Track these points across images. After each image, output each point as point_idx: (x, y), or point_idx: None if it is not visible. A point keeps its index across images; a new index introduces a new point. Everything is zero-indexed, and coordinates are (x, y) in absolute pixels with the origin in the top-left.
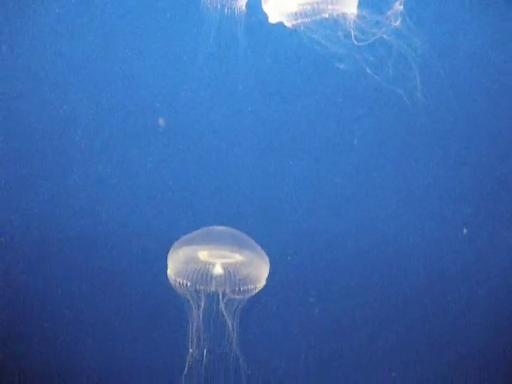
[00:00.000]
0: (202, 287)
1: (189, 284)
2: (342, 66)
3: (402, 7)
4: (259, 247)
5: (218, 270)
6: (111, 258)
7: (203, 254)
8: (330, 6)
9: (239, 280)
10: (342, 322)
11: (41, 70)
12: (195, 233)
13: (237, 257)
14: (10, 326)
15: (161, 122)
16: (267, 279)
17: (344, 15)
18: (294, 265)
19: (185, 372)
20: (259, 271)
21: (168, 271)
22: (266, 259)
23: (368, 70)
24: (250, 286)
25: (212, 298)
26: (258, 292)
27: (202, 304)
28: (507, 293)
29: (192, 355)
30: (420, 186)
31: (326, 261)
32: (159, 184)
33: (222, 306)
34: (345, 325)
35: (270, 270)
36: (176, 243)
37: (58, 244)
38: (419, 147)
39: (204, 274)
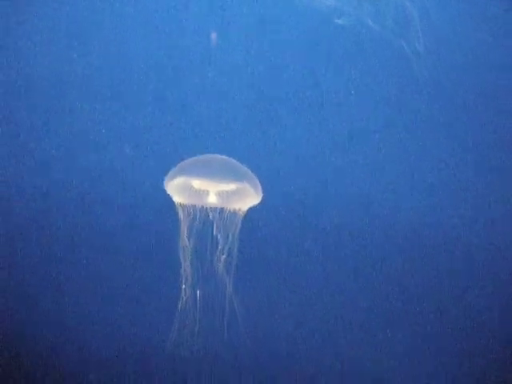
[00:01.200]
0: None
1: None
2: (340, 21)
3: None
4: (253, 175)
5: (212, 198)
6: (105, 189)
7: (197, 183)
8: None
9: (232, 206)
10: (337, 271)
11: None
12: (190, 161)
13: (230, 186)
14: None
15: (213, 37)
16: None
17: None
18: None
19: (178, 310)
20: (252, 198)
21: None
22: (259, 187)
23: (370, 22)
24: (241, 213)
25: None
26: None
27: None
28: None
29: (185, 292)
30: (421, 137)
31: (325, 199)
32: (158, 114)
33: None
34: (341, 275)
35: (266, 204)
36: (171, 171)
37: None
38: (420, 98)
39: (199, 201)
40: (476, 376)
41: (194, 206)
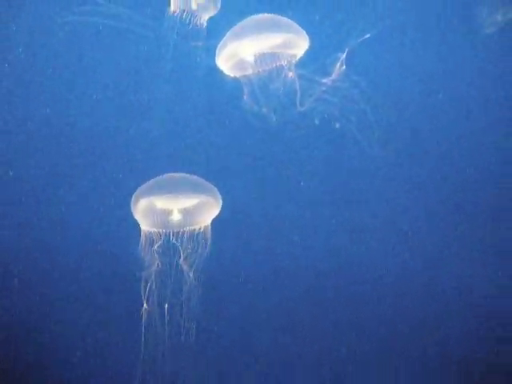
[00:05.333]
0: (163, 231)
1: (152, 230)
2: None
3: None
4: (211, 185)
5: (175, 216)
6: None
7: (160, 203)
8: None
9: (196, 222)
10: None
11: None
12: (151, 182)
13: (193, 201)
14: None
15: None
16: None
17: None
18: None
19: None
20: (213, 208)
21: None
22: (219, 196)
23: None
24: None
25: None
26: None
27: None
28: None
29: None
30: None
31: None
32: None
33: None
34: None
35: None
36: (135, 195)
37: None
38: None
39: (163, 220)
40: None
41: (159, 233)
